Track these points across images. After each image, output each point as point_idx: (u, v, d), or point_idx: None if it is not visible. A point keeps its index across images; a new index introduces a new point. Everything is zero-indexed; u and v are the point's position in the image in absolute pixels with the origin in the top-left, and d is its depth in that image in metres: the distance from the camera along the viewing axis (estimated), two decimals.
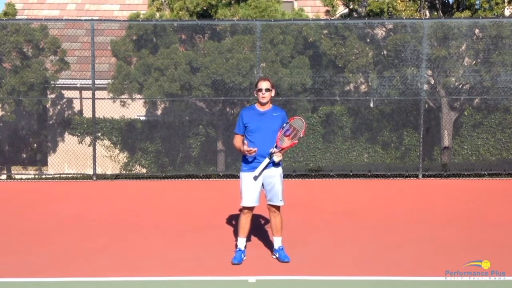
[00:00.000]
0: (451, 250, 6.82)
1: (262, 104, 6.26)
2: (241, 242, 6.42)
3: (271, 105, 6.33)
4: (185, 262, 6.47)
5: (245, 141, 6.25)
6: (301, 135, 6.25)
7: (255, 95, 6.30)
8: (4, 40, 12.88)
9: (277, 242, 6.49)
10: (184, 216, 8.67)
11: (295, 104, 12.87)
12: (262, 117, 6.23)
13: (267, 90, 6.20)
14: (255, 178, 6.20)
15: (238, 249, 6.42)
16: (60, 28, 13.75)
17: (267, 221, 7.39)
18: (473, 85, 12.39)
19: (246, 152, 6.13)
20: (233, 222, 7.80)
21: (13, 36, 12.96)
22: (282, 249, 6.46)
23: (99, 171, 12.15)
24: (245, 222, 6.35)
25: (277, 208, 6.37)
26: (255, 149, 6.10)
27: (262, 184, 6.30)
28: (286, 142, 6.20)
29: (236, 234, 6.85)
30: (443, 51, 11.98)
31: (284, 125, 6.21)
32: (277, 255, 6.46)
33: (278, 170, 6.30)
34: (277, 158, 6.14)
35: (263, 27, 11.87)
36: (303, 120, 6.29)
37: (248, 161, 6.25)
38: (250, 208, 6.33)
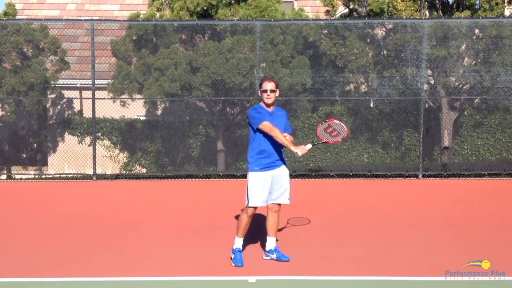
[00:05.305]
0: (451, 250, 6.82)
1: (268, 105, 6.32)
2: (240, 242, 6.40)
3: (274, 105, 6.42)
4: (185, 262, 6.47)
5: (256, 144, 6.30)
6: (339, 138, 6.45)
7: (260, 96, 6.36)
8: (4, 40, 12.88)
9: (272, 242, 6.47)
10: (184, 216, 8.67)
11: (295, 104, 12.86)
12: (272, 117, 6.31)
13: (272, 91, 6.28)
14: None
15: (237, 250, 6.36)
16: (60, 28, 13.73)
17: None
18: (473, 85, 12.39)
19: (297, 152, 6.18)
20: (233, 222, 7.77)
21: (13, 36, 12.96)
22: (277, 249, 6.47)
23: (99, 171, 12.14)
24: (247, 222, 6.34)
25: (279, 207, 6.39)
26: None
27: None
28: (328, 137, 6.44)
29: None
30: (443, 51, 11.98)
31: (323, 122, 6.47)
32: (274, 256, 6.42)
33: (287, 169, 6.41)
34: (300, 152, 6.17)
35: (263, 27, 11.87)
36: (343, 125, 6.47)
37: (261, 161, 6.25)
38: (255, 209, 6.33)
